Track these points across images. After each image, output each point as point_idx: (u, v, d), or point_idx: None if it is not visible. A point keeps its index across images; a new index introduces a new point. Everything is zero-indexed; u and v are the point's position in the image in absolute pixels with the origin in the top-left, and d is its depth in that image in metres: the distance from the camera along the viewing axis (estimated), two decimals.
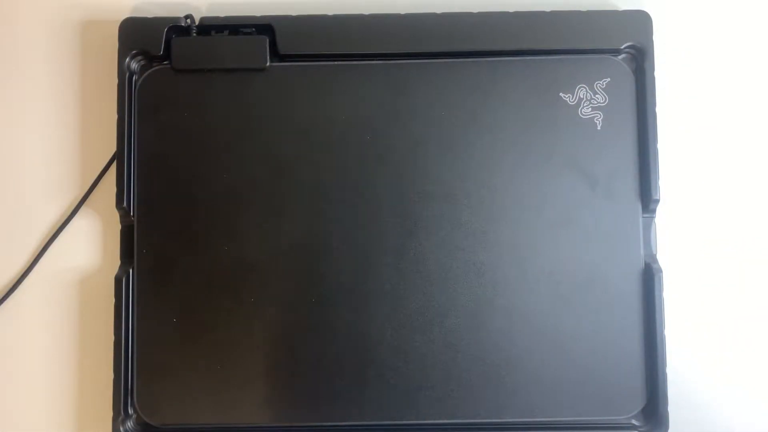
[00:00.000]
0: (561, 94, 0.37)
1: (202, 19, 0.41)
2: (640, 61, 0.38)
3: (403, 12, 0.40)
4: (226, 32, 0.40)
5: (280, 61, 0.40)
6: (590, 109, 0.37)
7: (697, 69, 0.41)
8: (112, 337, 0.38)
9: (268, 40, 0.39)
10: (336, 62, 0.39)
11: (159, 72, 0.40)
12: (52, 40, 0.43)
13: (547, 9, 0.39)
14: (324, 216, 0.38)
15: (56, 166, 0.42)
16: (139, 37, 0.41)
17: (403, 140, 0.38)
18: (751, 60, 0.41)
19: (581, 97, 0.37)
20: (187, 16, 0.41)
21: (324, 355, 0.38)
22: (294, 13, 0.41)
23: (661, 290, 0.37)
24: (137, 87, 0.39)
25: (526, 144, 0.38)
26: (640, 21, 0.38)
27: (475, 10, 0.39)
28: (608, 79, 0.37)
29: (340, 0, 0.42)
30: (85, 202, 0.42)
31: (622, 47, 0.38)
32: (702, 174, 0.41)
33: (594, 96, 0.37)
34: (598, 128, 0.37)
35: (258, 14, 0.40)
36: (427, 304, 0.38)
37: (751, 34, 0.41)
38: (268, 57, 0.39)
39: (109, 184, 0.41)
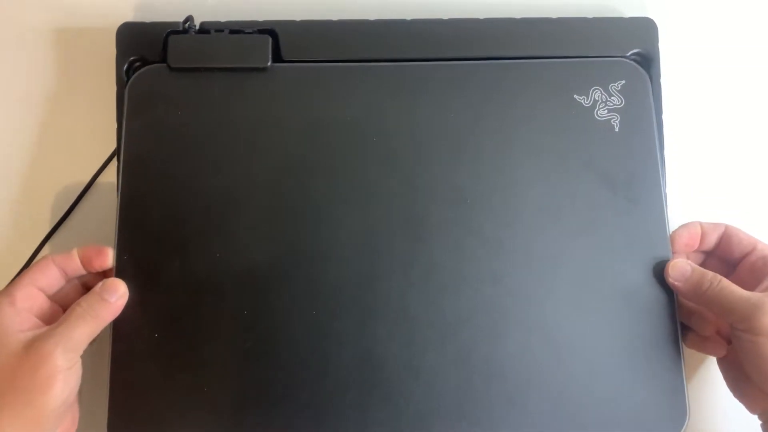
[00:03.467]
0: (575, 96, 0.35)
1: (203, 23, 0.38)
2: (646, 67, 0.36)
3: (409, 18, 0.38)
4: (227, 32, 0.36)
5: (283, 62, 0.37)
6: (606, 111, 0.34)
7: (702, 75, 0.40)
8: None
9: (270, 39, 0.36)
10: (341, 63, 0.36)
11: (153, 70, 0.36)
12: (57, 47, 0.40)
13: (554, 16, 0.37)
14: (326, 221, 0.34)
15: (57, 168, 0.39)
16: (137, 43, 0.37)
17: (411, 142, 0.35)
18: (756, 64, 0.40)
19: (596, 99, 0.34)
20: (186, 20, 0.37)
21: (325, 373, 0.33)
22: (298, 18, 0.38)
23: None
24: (128, 84, 0.35)
25: (541, 146, 0.34)
26: (646, 28, 0.36)
27: (482, 16, 0.37)
28: (623, 82, 0.34)
29: (345, 5, 0.39)
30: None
31: (628, 54, 0.36)
32: (709, 179, 0.39)
33: (609, 98, 0.34)
34: (616, 130, 0.34)
35: (261, 19, 0.38)
36: (439, 316, 0.33)
37: (755, 38, 0.40)
38: (269, 56, 0.36)
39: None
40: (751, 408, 0.32)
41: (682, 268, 0.32)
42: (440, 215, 0.34)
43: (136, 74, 0.35)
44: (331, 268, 0.33)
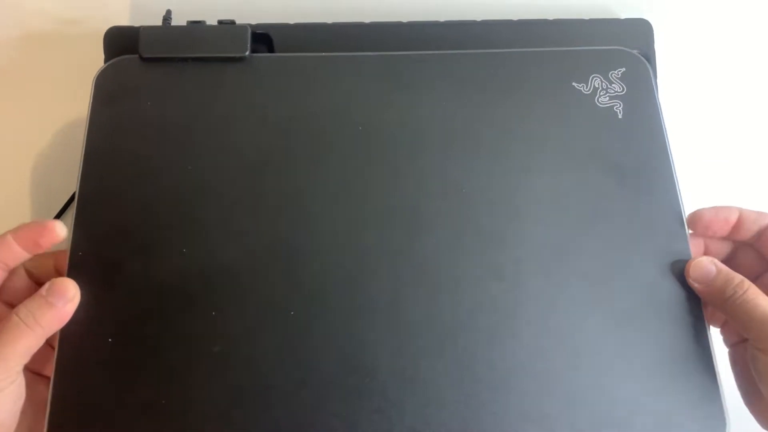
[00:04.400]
0: (574, 83, 0.33)
1: (189, 22, 0.37)
2: None
3: (405, 20, 0.37)
4: (204, 23, 0.35)
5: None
6: (608, 98, 0.33)
7: (698, 75, 0.39)
8: None
9: (249, 29, 0.34)
10: (325, 53, 0.34)
11: (124, 61, 0.34)
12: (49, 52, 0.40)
13: (550, 18, 0.37)
14: (307, 214, 0.30)
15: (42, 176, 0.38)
16: (125, 47, 0.37)
17: (401, 131, 0.32)
18: (754, 64, 0.40)
19: (596, 86, 0.33)
20: (166, 15, 0.37)
21: (305, 382, 0.28)
22: (292, 21, 0.38)
23: None
24: (96, 76, 0.33)
25: (539, 135, 0.32)
26: (641, 29, 0.36)
27: (478, 19, 0.37)
28: (623, 69, 0.33)
29: (340, 8, 0.39)
30: None
31: None
32: (706, 181, 0.37)
33: (610, 85, 0.33)
34: (619, 117, 0.33)
35: (254, 22, 0.37)
36: (435, 317, 0.29)
37: (753, 39, 0.40)
38: (248, 45, 0.34)
39: None
40: (764, 424, 0.28)
41: (704, 268, 0.28)
42: (434, 207, 0.31)
43: (106, 65, 0.34)
44: (313, 264, 0.30)
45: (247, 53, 0.34)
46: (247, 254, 0.30)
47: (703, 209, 0.30)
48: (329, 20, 0.38)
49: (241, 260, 0.29)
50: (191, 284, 0.29)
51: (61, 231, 0.28)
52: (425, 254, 0.30)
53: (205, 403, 0.28)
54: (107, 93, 0.33)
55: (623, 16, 0.39)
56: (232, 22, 0.35)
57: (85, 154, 0.31)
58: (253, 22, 0.37)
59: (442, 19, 0.37)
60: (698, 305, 0.29)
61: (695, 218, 0.30)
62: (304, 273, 0.29)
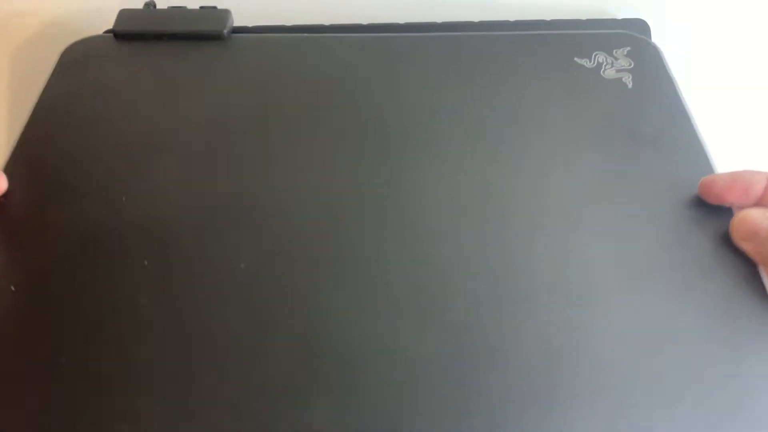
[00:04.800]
0: (576, 59, 0.31)
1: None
2: None
3: (402, 21, 0.37)
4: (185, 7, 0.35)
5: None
6: (614, 71, 0.31)
7: (696, 76, 0.37)
8: None
9: (230, 12, 0.34)
10: (311, 33, 0.33)
11: (96, 38, 0.33)
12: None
13: (547, 18, 0.37)
14: (268, 163, 0.27)
15: None
16: None
17: (388, 99, 0.30)
18: (751, 64, 0.38)
19: (600, 61, 0.31)
20: (149, 1, 0.37)
21: (249, 349, 0.22)
22: (289, 23, 0.38)
23: None
24: (64, 50, 0.33)
25: (541, 106, 0.29)
26: (639, 29, 0.36)
27: (476, 19, 0.37)
28: (629, 48, 0.32)
29: (338, 10, 0.40)
30: None
31: None
32: None
33: (615, 61, 0.31)
34: (629, 87, 0.30)
35: (251, 24, 0.38)
36: (421, 285, 0.23)
37: (750, 38, 0.39)
38: (227, 23, 0.33)
39: None
40: None
41: (753, 222, 0.23)
42: (421, 162, 0.27)
43: (75, 41, 0.33)
44: (273, 211, 0.25)
45: (225, 31, 0.33)
46: (196, 201, 0.26)
47: (717, 175, 0.25)
48: (326, 22, 0.38)
49: (188, 207, 0.26)
50: (126, 231, 0.25)
51: (1, 184, 0.26)
52: (410, 205, 0.26)
53: (122, 365, 0.22)
54: (71, 62, 0.32)
55: (620, 16, 0.38)
56: (214, 8, 0.35)
57: (34, 109, 0.30)
58: (251, 24, 0.37)
59: (439, 20, 0.37)
60: (753, 268, 0.24)
61: (705, 186, 0.25)
62: (261, 221, 0.25)
